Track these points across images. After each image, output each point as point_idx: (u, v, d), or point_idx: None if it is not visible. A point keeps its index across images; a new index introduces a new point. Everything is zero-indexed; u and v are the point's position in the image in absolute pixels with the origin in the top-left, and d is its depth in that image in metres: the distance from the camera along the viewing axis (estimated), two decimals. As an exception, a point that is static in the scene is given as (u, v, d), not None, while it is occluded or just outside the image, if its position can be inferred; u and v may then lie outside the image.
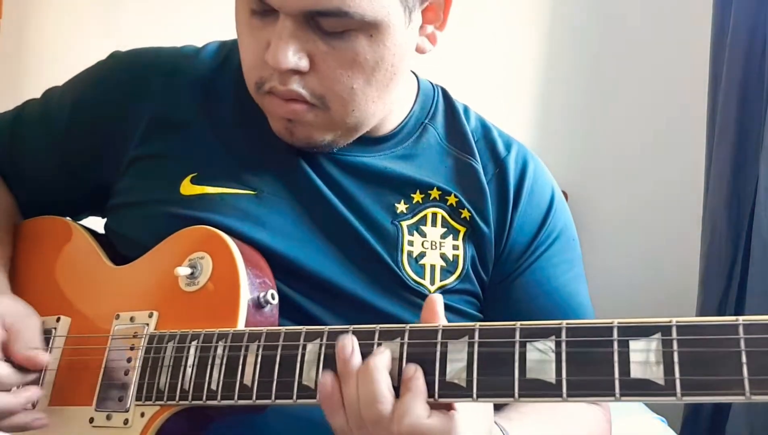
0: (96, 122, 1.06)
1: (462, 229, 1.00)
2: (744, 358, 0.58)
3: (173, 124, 1.02)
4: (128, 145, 1.03)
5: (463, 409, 0.72)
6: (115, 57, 1.10)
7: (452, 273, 0.98)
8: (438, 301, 0.76)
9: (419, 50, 0.97)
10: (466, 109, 1.10)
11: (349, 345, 0.74)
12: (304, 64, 0.88)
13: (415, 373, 0.71)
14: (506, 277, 1.02)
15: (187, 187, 0.99)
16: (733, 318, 0.59)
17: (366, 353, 0.74)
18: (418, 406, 0.70)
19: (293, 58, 0.87)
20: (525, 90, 2.88)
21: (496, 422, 0.81)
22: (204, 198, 0.98)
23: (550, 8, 2.90)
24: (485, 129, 1.08)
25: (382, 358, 0.73)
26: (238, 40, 0.96)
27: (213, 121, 1.02)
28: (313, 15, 0.86)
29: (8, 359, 0.90)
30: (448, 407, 0.72)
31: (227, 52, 1.08)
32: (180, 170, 1.00)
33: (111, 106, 1.05)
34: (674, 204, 2.71)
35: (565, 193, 2.71)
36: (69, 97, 1.10)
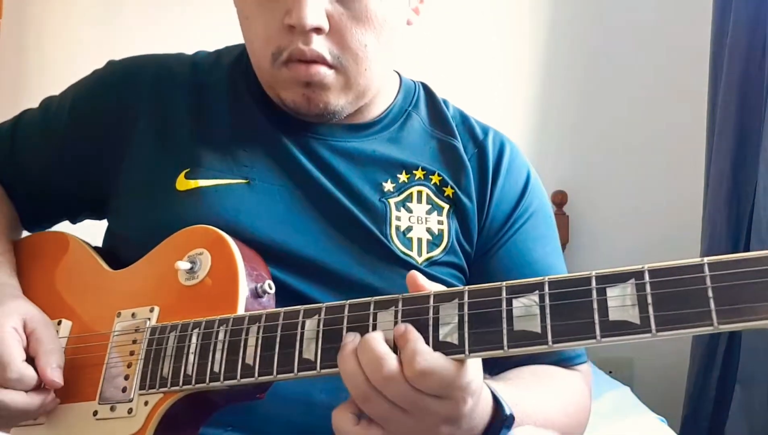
0: (94, 126, 1.10)
1: (446, 206, 1.06)
2: (710, 293, 0.63)
3: (167, 125, 1.06)
4: (125, 147, 1.07)
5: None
6: (111, 64, 1.15)
7: (438, 246, 1.03)
8: (417, 274, 0.79)
9: (408, 23, 1.06)
10: (445, 101, 1.17)
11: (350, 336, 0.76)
12: (325, 22, 0.94)
13: (406, 327, 0.74)
14: (487, 250, 1.07)
15: (182, 183, 1.02)
16: (699, 259, 0.65)
17: (363, 324, 0.77)
18: (422, 346, 0.72)
19: (317, 15, 0.93)
20: (524, 89, 2.88)
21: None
22: (199, 191, 1.01)
23: (549, 7, 2.90)
24: (463, 117, 1.16)
25: (375, 332, 0.75)
26: (245, 25, 1.01)
27: (205, 117, 1.07)
28: None
29: (30, 361, 0.91)
30: None
31: (218, 56, 1.14)
32: (174, 167, 1.03)
33: (108, 111, 1.09)
34: (674, 203, 2.72)
35: (564, 193, 2.73)
36: (67, 104, 1.14)
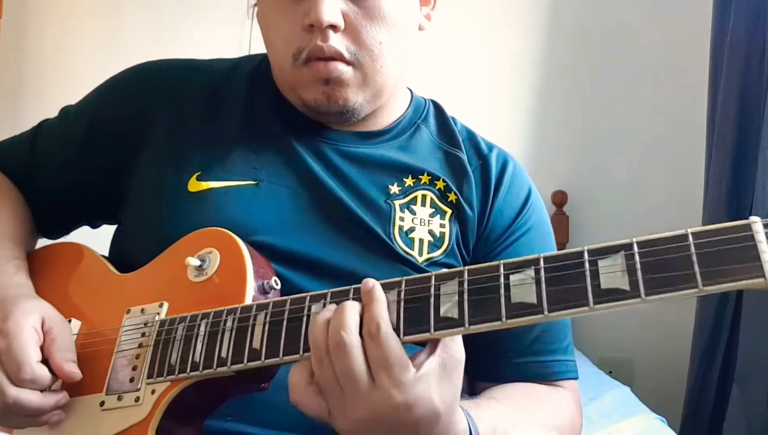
0: (112, 132, 1.14)
1: (449, 211, 1.09)
2: (694, 258, 0.67)
3: (180, 129, 1.10)
4: (141, 149, 1.11)
5: (426, 366, 0.76)
6: (129, 70, 1.19)
7: (439, 247, 1.07)
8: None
9: (420, 28, 1.12)
10: (453, 118, 1.22)
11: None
12: (341, 20, 1.00)
13: (374, 285, 0.77)
14: (484, 256, 1.09)
15: (194, 185, 1.06)
16: (683, 230, 0.69)
17: None
18: (385, 313, 0.76)
19: (333, 13, 0.99)
20: (525, 90, 2.89)
21: (461, 406, 0.83)
22: (209, 193, 1.05)
23: (550, 8, 2.91)
24: (470, 133, 1.20)
25: (351, 302, 0.78)
26: (267, 32, 1.07)
27: (217, 121, 1.11)
28: None
29: (44, 360, 0.92)
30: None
31: (236, 63, 1.18)
32: (187, 169, 1.07)
33: (125, 116, 1.13)
34: (674, 203, 2.72)
35: (564, 193, 2.73)
36: (86, 110, 1.18)
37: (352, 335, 0.75)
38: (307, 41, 1.01)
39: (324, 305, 0.80)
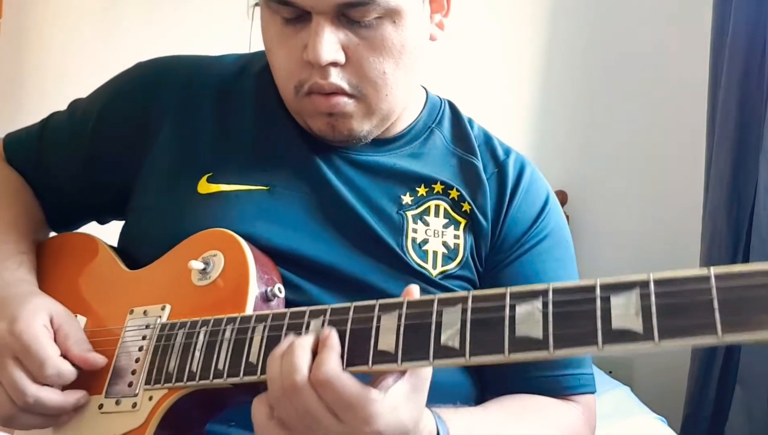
0: (120, 129, 1.12)
1: (463, 221, 1.06)
2: (716, 304, 0.61)
3: (191, 128, 1.08)
4: (149, 147, 1.09)
5: (395, 391, 0.74)
6: (139, 66, 1.17)
7: (453, 260, 1.04)
8: (414, 289, 0.79)
9: (431, 38, 1.06)
10: (470, 120, 1.17)
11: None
12: (341, 56, 0.95)
13: (330, 332, 0.75)
14: (496, 265, 1.07)
15: (204, 186, 1.04)
16: (705, 270, 0.63)
17: (366, 326, 0.77)
18: (333, 359, 0.74)
19: (331, 51, 0.94)
20: (526, 90, 2.89)
21: (436, 411, 0.83)
22: (220, 195, 1.03)
23: (550, 7, 2.91)
24: (487, 137, 1.16)
25: (305, 338, 0.76)
26: (269, 56, 1.03)
27: (230, 124, 1.09)
28: (342, 9, 0.93)
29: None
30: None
31: (245, 62, 1.15)
32: (197, 170, 1.05)
33: (134, 113, 1.11)
34: (675, 203, 2.72)
35: (564, 193, 2.73)
36: (94, 105, 1.16)
37: (304, 379, 0.73)
38: (307, 75, 0.97)
39: (323, 322, 0.78)
